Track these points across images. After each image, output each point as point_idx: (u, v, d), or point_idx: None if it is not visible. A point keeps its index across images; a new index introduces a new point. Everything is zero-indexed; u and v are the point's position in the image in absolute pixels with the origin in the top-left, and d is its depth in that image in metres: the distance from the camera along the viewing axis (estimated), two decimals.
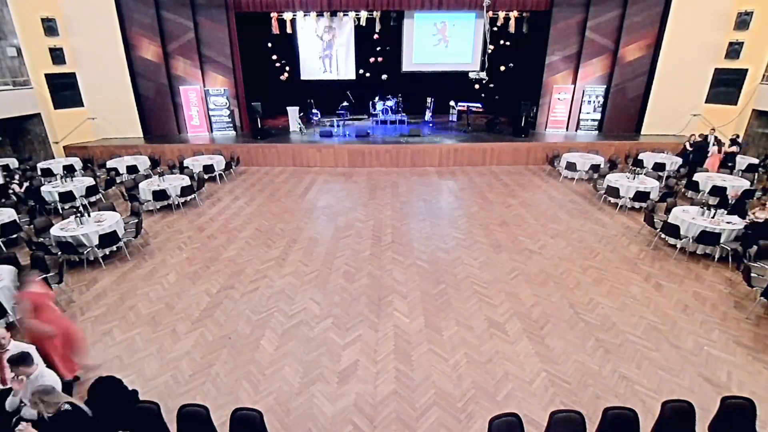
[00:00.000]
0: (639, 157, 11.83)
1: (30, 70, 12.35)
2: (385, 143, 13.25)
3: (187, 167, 11.31)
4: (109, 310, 6.00)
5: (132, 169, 11.51)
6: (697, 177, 9.94)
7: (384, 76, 17.48)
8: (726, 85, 12.92)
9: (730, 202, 8.05)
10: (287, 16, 15.23)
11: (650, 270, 6.92)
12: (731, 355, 4.96)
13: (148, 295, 6.34)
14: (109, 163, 11.62)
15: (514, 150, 13.22)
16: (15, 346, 3.73)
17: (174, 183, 9.66)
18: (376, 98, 16.49)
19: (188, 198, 9.92)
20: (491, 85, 17.33)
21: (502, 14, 14.97)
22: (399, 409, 4.26)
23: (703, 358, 4.92)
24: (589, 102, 14.48)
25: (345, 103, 16.68)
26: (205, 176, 11.02)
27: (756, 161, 11.05)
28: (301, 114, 15.50)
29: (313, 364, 4.89)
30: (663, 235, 7.61)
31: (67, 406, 3.24)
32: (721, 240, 6.95)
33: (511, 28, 15.26)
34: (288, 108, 15.16)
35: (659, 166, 11.31)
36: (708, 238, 6.96)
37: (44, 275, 5.77)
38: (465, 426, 4.06)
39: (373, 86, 17.13)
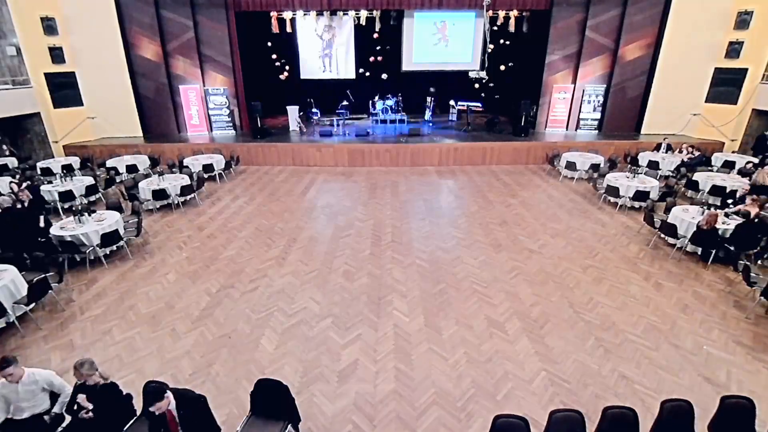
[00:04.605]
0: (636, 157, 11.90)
1: (29, 70, 12.32)
2: (385, 142, 13.25)
3: (187, 166, 11.31)
4: (109, 309, 6.00)
5: (132, 169, 11.50)
6: (696, 176, 9.95)
7: (384, 76, 17.47)
8: (726, 85, 12.91)
9: (737, 197, 8.08)
10: (287, 15, 15.23)
11: (650, 269, 6.92)
12: (731, 354, 4.97)
13: (148, 295, 6.34)
14: (109, 163, 11.61)
15: (514, 149, 13.22)
16: (29, 375, 3.68)
17: (174, 182, 9.66)
18: (376, 97, 16.47)
19: (188, 197, 9.91)
20: (491, 85, 17.34)
21: (502, 13, 14.96)
22: (399, 408, 4.27)
23: (703, 357, 4.93)
24: (589, 101, 14.48)
25: (345, 103, 16.67)
26: (205, 175, 11.01)
27: (756, 161, 11.04)
28: (301, 113, 15.50)
29: (312, 364, 4.89)
30: (662, 235, 7.61)
31: (104, 381, 3.57)
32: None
33: (511, 28, 15.25)
34: (288, 107, 15.15)
35: (654, 164, 11.32)
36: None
37: (44, 274, 5.76)
38: (465, 425, 4.07)
39: (372, 85, 17.11)
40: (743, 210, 7.06)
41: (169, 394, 3.15)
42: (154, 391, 3.08)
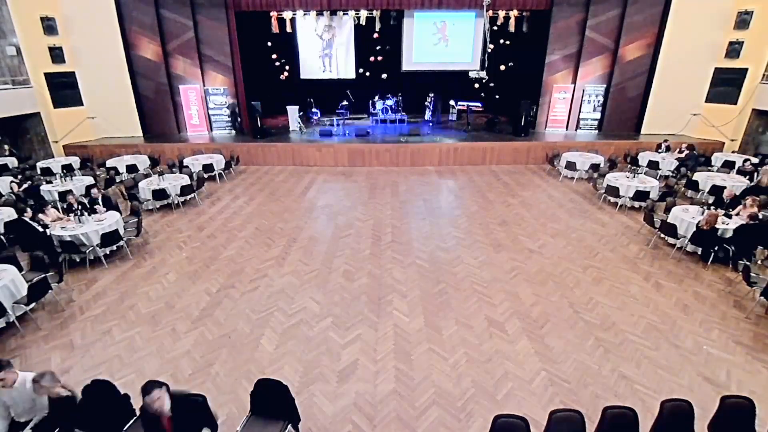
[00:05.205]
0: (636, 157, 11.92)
1: (29, 70, 12.33)
2: (385, 142, 13.25)
3: (187, 166, 11.31)
4: (109, 309, 6.00)
5: (132, 169, 11.50)
6: (696, 176, 9.95)
7: (384, 76, 17.48)
8: (726, 85, 12.91)
9: (725, 201, 8.07)
10: (287, 15, 15.22)
11: (650, 269, 6.92)
12: (731, 354, 4.97)
13: (148, 294, 6.35)
14: (109, 162, 11.61)
15: (514, 149, 13.22)
16: (22, 379, 3.59)
17: (174, 182, 9.66)
18: (376, 97, 16.49)
19: (188, 197, 9.91)
20: (491, 85, 17.32)
21: (502, 13, 14.95)
22: (399, 408, 4.27)
23: (703, 357, 4.93)
24: (589, 101, 14.48)
25: (345, 103, 16.68)
26: (205, 175, 11.01)
27: (756, 160, 11.04)
28: (301, 113, 15.50)
29: (312, 364, 4.89)
30: (662, 235, 7.61)
31: (68, 393, 3.39)
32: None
33: (511, 28, 15.24)
34: (288, 107, 15.16)
35: (654, 164, 11.32)
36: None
37: (44, 274, 5.76)
38: (465, 425, 4.07)
39: (372, 85, 17.13)
40: (746, 212, 7.06)
41: (165, 394, 3.07)
42: (151, 384, 3.04)
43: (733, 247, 6.68)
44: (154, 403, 2.98)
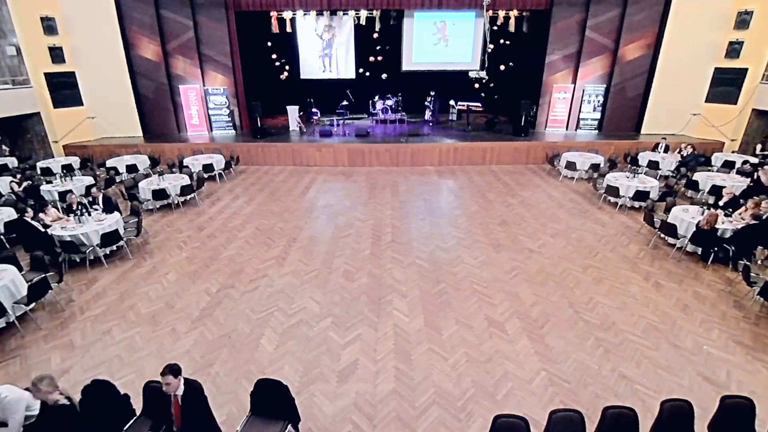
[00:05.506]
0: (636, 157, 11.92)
1: (29, 69, 12.33)
2: (385, 142, 13.25)
3: (187, 166, 11.32)
4: (109, 309, 6.00)
5: (131, 168, 11.50)
6: (697, 176, 9.95)
7: (384, 76, 17.48)
8: (726, 85, 12.91)
9: (724, 200, 8.07)
10: (287, 15, 15.22)
11: (650, 269, 6.92)
12: (730, 354, 4.97)
13: (148, 294, 6.35)
14: (109, 162, 11.60)
15: (514, 149, 13.22)
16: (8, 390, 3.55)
17: (173, 182, 9.66)
18: (376, 97, 16.48)
19: (188, 197, 9.91)
20: (491, 85, 17.33)
21: (502, 13, 14.95)
22: (399, 408, 4.27)
23: (703, 357, 4.93)
24: (589, 101, 14.48)
25: (345, 102, 16.67)
26: (205, 175, 11.01)
27: (756, 161, 11.04)
28: (301, 113, 15.50)
29: (312, 363, 4.89)
30: (662, 235, 7.61)
31: (65, 401, 3.34)
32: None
33: (511, 28, 15.24)
34: (288, 107, 15.16)
35: (654, 164, 11.32)
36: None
37: (44, 274, 5.76)
38: (465, 425, 4.07)
39: (372, 85, 17.12)
40: (749, 212, 7.05)
41: (182, 380, 3.31)
42: (176, 367, 3.28)
43: (733, 247, 6.69)
44: (172, 386, 3.26)
